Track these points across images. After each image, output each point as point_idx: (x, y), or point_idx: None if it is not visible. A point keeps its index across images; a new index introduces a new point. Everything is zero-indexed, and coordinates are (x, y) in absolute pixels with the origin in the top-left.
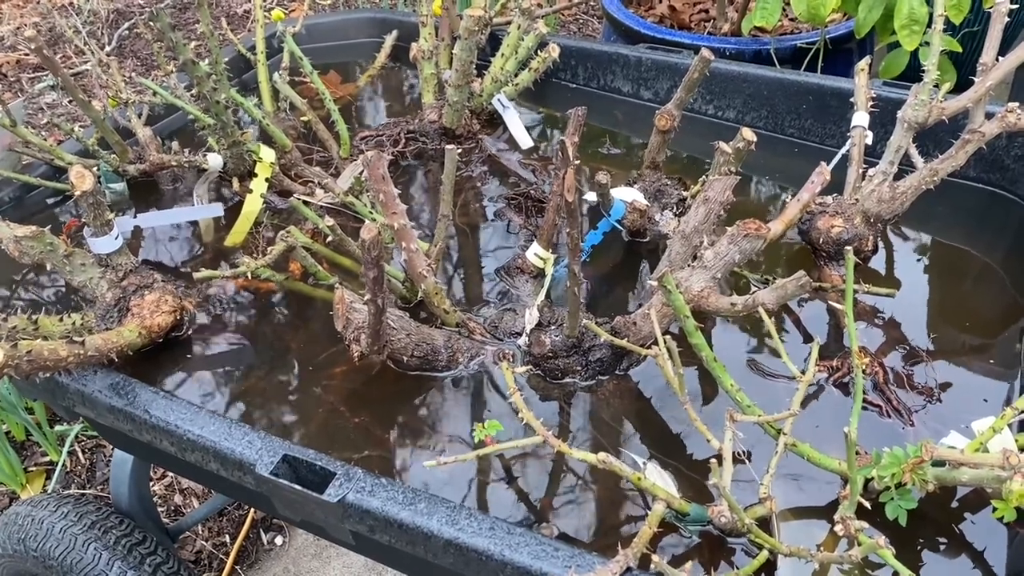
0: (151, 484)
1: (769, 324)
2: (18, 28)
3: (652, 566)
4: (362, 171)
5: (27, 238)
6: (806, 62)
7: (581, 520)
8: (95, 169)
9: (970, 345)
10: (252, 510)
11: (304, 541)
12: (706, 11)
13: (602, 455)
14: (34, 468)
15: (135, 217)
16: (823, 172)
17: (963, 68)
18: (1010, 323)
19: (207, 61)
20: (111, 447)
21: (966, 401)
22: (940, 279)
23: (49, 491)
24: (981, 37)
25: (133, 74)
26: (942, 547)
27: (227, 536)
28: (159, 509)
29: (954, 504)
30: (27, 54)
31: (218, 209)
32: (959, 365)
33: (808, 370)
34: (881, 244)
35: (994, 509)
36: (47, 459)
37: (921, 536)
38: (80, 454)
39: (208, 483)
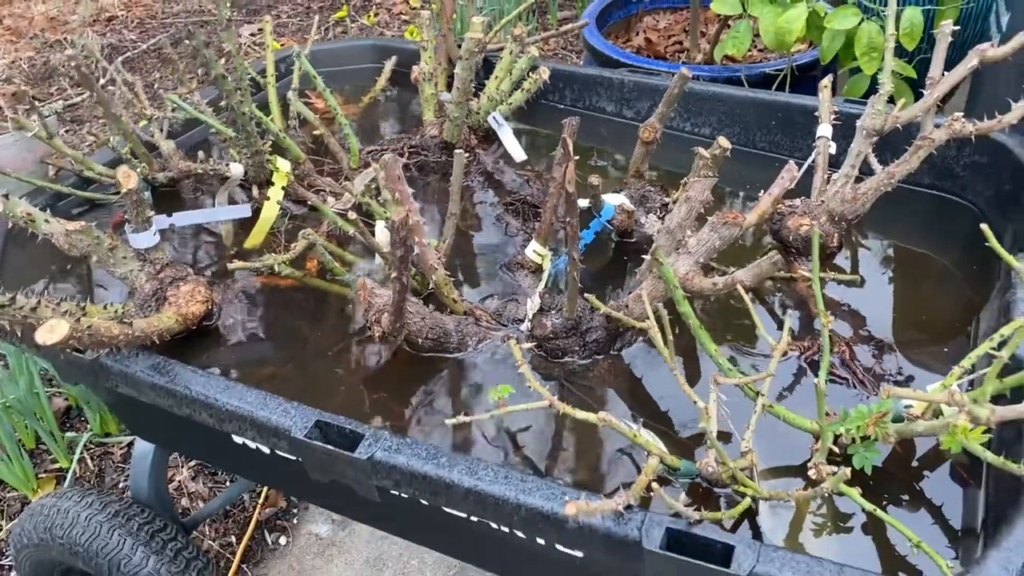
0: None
1: (746, 299)
2: (13, 62)
3: (651, 493)
4: (373, 178)
5: (77, 232)
6: (775, 87)
7: (582, 479)
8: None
9: (927, 336)
10: (257, 512)
11: (307, 541)
12: (680, 43)
13: (603, 414)
14: (44, 475)
15: (171, 216)
16: (791, 169)
17: (918, 90)
18: (965, 317)
19: (231, 79)
20: (119, 452)
21: (926, 380)
22: (899, 278)
23: None
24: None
25: (161, 91)
26: (904, 502)
27: (233, 537)
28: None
29: (914, 463)
30: (23, 86)
31: (246, 210)
32: (919, 352)
33: (781, 340)
34: (846, 247)
35: (940, 446)
36: (57, 465)
37: (886, 492)
38: (89, 460)
39: (231, 464)
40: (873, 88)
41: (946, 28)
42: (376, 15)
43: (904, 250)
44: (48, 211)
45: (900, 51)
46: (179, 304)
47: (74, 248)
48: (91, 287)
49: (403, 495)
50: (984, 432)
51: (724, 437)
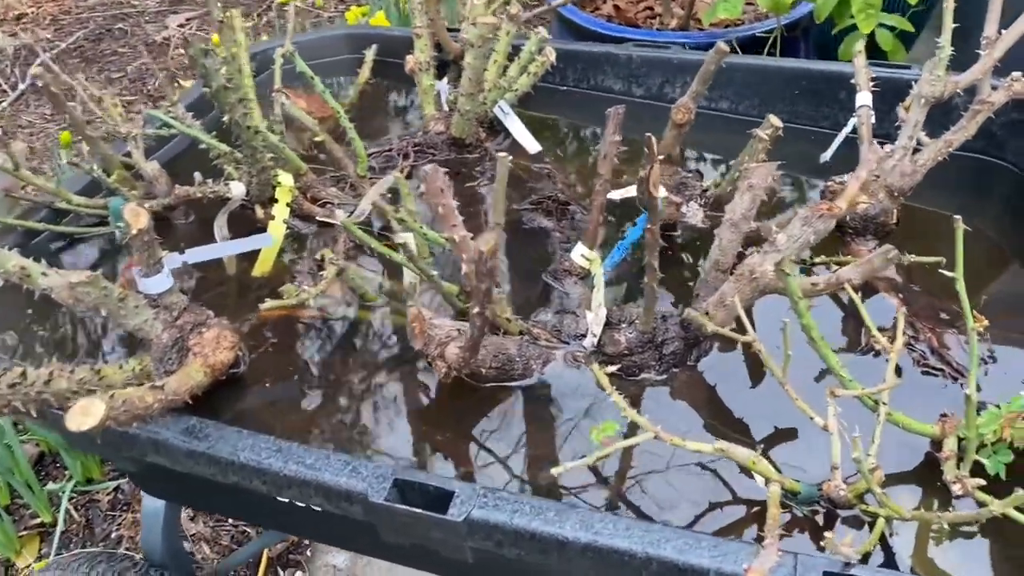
0: None
1: (857, 301)
2: None
3: (822, 543)
4: (390, 187)
5: (82, 284)
6: (767, 49)
7: (675, 509)
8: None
9: (999, 310)
10: (267, 549)
11: (324, 574)
12: (651, 8)
13: (720, 443)
14: (25, 531)
15: (183, 253)
16: (876, 150)
17: (909, 46)
18: (1015, 282)
19: (236, 87)
20: (106, 499)
21: (1013, 365)
22: (940, 248)
23: (52, 555)
24: (925, 16)
25: (143, 106)
26: None
27: (244, 575)
28: None
29: None
30: None
31: (267, 239)
32: (998, 329)
33: (897, 339)
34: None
35: None
36: (38, 520)
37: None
38: (74, 511)
39: (274, 522)
40: (871, 47)
41: None
42: None
43: (943, 217)
44: (22, 252)
45: (896, 4)
46: (205, 354)
47: (80, 303)
48: (64, 326)
49: (506, 555)
50: None
51: (813, 445)
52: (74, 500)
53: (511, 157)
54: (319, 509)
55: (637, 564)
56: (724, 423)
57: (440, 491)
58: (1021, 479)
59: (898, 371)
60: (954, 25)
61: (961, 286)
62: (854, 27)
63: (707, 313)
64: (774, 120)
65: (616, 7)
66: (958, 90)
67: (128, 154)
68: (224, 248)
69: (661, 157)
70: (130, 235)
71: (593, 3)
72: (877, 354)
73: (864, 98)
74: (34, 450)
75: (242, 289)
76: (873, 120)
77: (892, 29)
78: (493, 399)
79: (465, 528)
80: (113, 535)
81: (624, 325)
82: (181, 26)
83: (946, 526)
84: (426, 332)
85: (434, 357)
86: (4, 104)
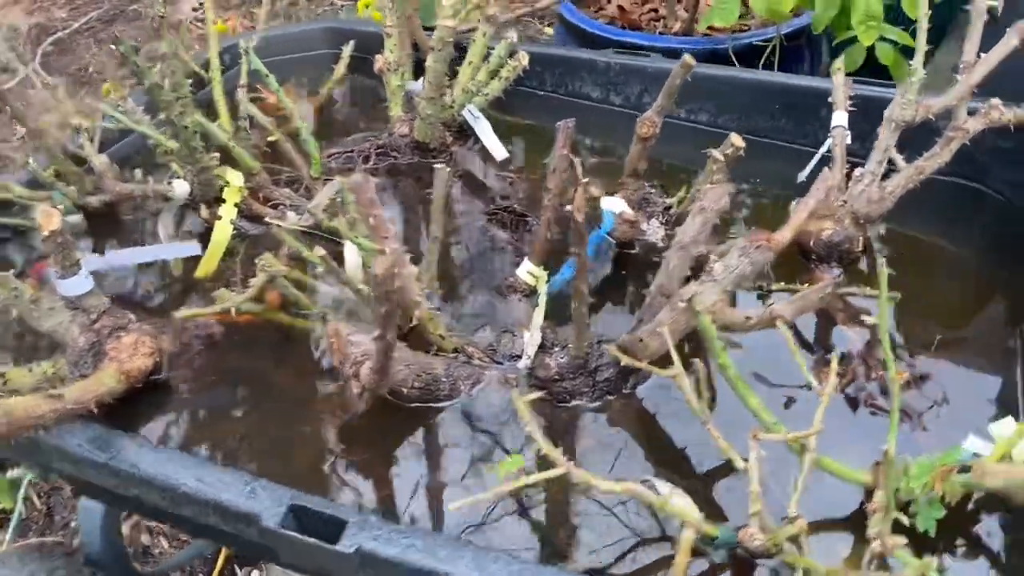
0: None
1: (789, 338)
2: None
3: None
4: (339, 191)
5: None
6: (763, 59)
7: (598, 549)
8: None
9: (957, 341)
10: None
11: (281, 574)
12: (655, 11)
13: (629, 484)
14: None
15: (104, 256)
16: (827, 179)
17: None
18: (991, 317)
19: (168, 84)
20: (70, 490)
21: (970, 400)
22: (919, 275)
23: (6, 540)
24: (940, 31)
25: (83, 97)
26: (960, 551)
27: (201, 574)
28: (128, 548)
29: (970, 506)
30: None
31: (195, 248)
32: (951, 363)
33: (829, 381)
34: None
35: None
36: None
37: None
38: (36, 499)
39: (196, 533)
40: (870, 60)
41: (981, 2)
42: None
43: (920, 242)
44: None
45: (897, 17)
46: (121, 359)
47: None
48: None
49: None
50: None
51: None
52: (38, 487)
53: (449, 169)
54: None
55: None
56: (663, 455)
57: (333, 519)
58: (954, 533)
59: (854, 406)
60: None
61: (885, 336)
62: (855, 39)
63: (641, 340)
64: (735, 139)
65: (620, 8)
66: (931, 115)
67: (82, 146)
68: (148, 253)
69: (628, 172)
70: (42, 237)
71: (598, 3)
72: (842, 392)
73: (840, 118)
74: None
75: (186, 290)
76: (849, 141)
77: (895, 44)
78: (416, 419)
79: (356, 560)
80: (73, 524)
81: (557, 349)
82: (195, 9)
83: None
84: (342, 350)
85: (349, 376)
86: (12, 83)
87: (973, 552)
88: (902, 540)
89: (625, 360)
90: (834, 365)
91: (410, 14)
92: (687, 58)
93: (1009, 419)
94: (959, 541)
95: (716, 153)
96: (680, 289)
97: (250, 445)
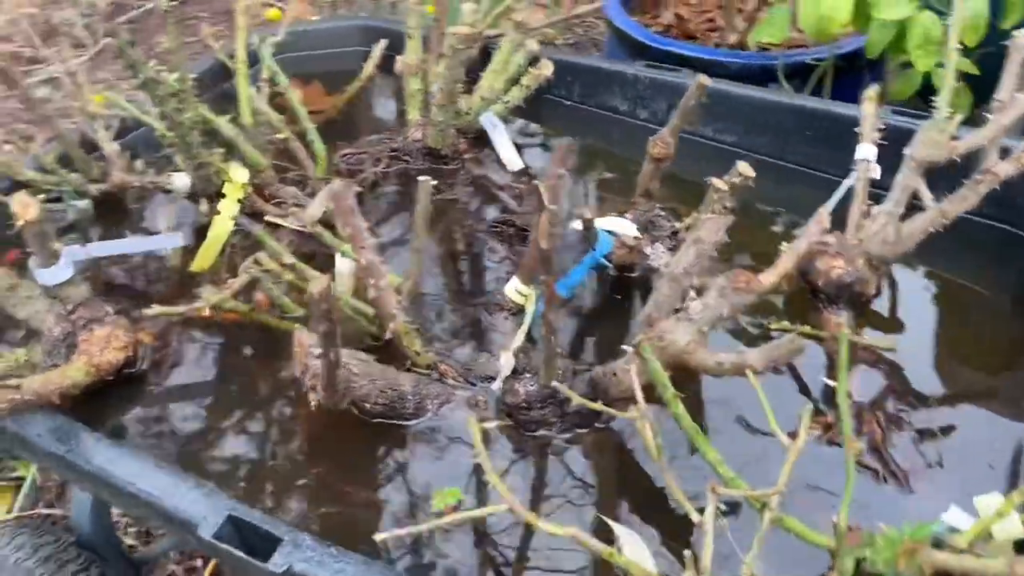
0: None
1: (758, 388)
2: (12, 19)
3: None
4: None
5: None
6: (814, 80)
7: None
8: (57, 184)
9: (976, 394)
10: None
11: None
12: (713, 20)
13: (572, 530)
14: (3, 484)
15: (85, 246)
16: (821, 220)
17: (980, 90)
18: (1020, 369)
19: (175, 77)
20: None
21: (970, 463)
22: (946, 320)
23: (17, 508)
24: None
25: (98, 85)
26: None
27: (200, 560)
28: (131, 528)
29: None
30: (21, 46)
31: (177, 239)
32: (965, 419)
33: (799, 438)
34: (884, 281)
35: None
36: (16, 474)
37: None
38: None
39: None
40: (926, 86)
41: (1020, 38)
42: None
43: (951, 285)
44: None
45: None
46: (91, 352)
47: None
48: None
49: None
50: None
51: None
52: None
53: (433, 181)
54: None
55: None
56: (634, 494)
57: (268, 535)
58: None
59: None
60: None
61: (843, 398)
62: (910, 64)
63: (615, 375)
64: (744, 168)
65: (679, 16)
66: (955, 156)
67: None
68: (131, 245)
69: (639, 191)
70: (20, 226)
71: (655, 10)
72: (831, 443)
73: (865, 151)
74: None
75: (182, 283)
76: (878, 175)
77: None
78: (378, 436)
79: None
80: None
81: (528, 375)
82: None
83: None
84: (303, 360)
85: (308, 388)
86: (84, 58)
87: None
88: None
89: (576, 401)
90: (806, 421)
91: (439, 17)
92: (701, 78)
93: (994, 494)
94: None
95: (718, 182)
96: (662, 323)
97: (211, 447)
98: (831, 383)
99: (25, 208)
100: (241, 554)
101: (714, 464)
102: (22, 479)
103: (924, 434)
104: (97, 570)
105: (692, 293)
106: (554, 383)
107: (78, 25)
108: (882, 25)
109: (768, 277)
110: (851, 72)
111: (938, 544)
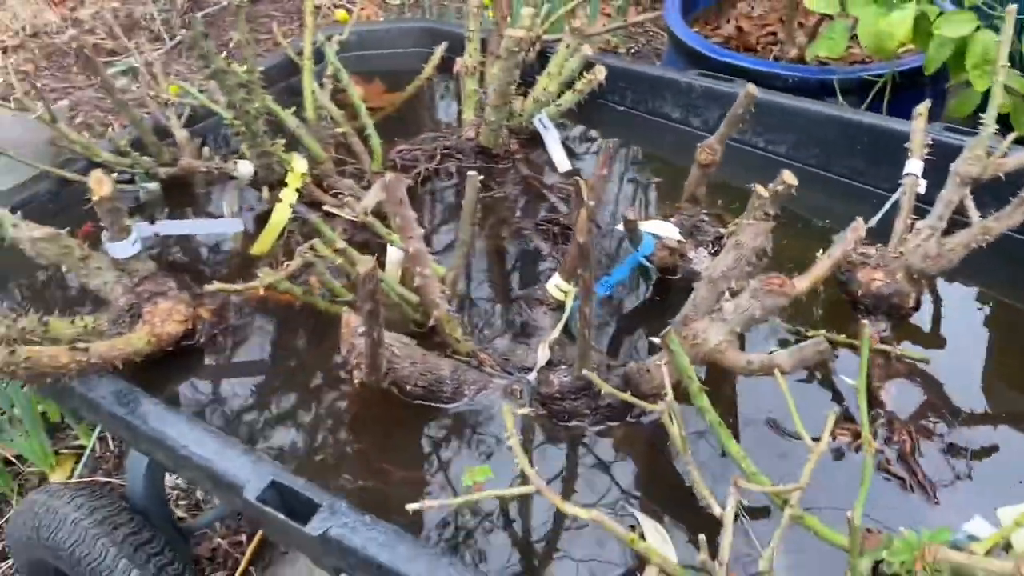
0: (173, 477)
1: (785, 389)
2: (96, 13)
3: None
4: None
5: (43, 240)
6: (871, 96)
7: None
8: (131, 166)
9: (1014, 413)
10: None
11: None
12: (774, 33)
13: (595, 513)
14: (66, 451)
15: (153, 223)
16: (858, 229)
17: None
18: None
19: (244, 68)
20: None
21: (1000, 478)
22: (988, 337)
23: (76, 475)
24: None
25: (172, 76)
26: None
27: (244, 536)
28: (182, 501)
29: None
30: (103, 38)
31: (238, 224)
32: (1000, 436)
33: (822, 440)
34: (928, 295)
35: None
36: (79, 443)
37: None
38: (110, 440)
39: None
40: (984, 106)
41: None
42: None
43: (996, 303)
44: (55, 198)
45: (1015, 63)
46: (154, 323)
47: (42, 256)
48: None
49: None
50: None
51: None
52: None
53: (480, 177)
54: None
55: None
56: (662, 487)
57: (308, 501)
58: None
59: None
60: None
61: (863, 397)
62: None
63: (648, 371)
64: (787, 177)
65: (739, 28)
66: (1000, 173)
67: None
68: (196, 226)
69: (685, 196)
70: (94, 202)
71: (716, 22)
72: (859, 449)
73: (913, 166)
74: None
75: (243, 264)
76: (922, 190)
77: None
78: (419, 418)
79: (322, 545)
80: None
81: (563, 367)
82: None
83: None
84: (351, 341)
85: (352, 366)
86: (161, 51)
87: None
88: None
89: (605, 390)
90: (830, 423)
91: (499, 20)
92: (750, 87)
93: (1020, 505)
94: None
95: (760, 189)
96: (696, 323)
97: (259, 418)
98: (850, 381)
99: (100, 184)
100: (282, 516)
101: (737, 458)
102: (83, 448)
103: (955, 448)
104: (148, 534)
105: (727, 295)
106: (586, 371)
107: (156, 20)
108: (941, 43)
109: (802, 282)
110: (911, 89)
111: (956, 550)
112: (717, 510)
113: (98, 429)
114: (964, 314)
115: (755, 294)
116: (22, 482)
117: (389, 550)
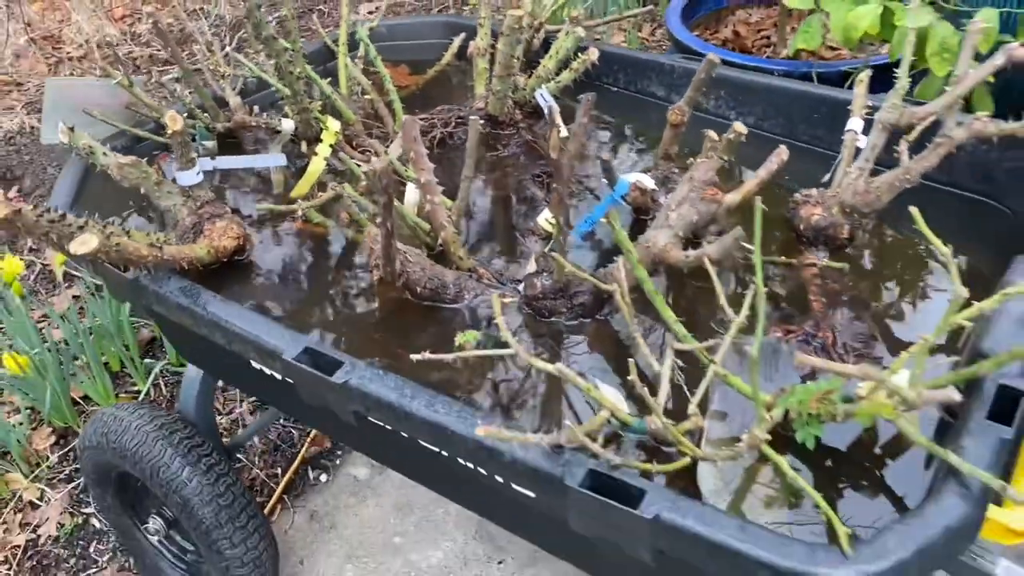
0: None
1: (712, 272)
2: (152, 26)
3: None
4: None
5: (128, 165)
6: (847, 86)
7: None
8: (192, 127)
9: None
10: (304, 450)
11: (345, 481)
12: (768, 37)
13: (559, 365)
14: (124, 395)
15: (214, 159)
16: (780, 153)
17: (1001, 99)
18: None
19: (290, 39)
20: None
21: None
22: (915, 276)
23: None
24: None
25: (228, 49)
26: (863, 486)
27: (279, 469)
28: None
29: (877, 450)
30: (159, 50)
31: (282, 159)
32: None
33: (740, 311)
34: (874, 240)
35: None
36: (136, 388)
37: (844, 475)
38: (163, 386)
39: (255, 389)
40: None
41: (976, 24)
42: None
43: (930, 250)
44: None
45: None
46: (212, 237)
47: (125, 179)
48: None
49: (373, 420)
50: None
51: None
52: (166, 377)
53: (481, 121)
54: (268, 372)
55: (457, 440)
56: (622, 368)
57: (334, 360)
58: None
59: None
60: None
61: (758, 258)
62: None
63: (611, 274)
64: (738, 127)
65: (736, 32)
66: (914, 120)
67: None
68: (248, 160)
69: (660, 155)
70: (168, 134)
71: (716, 27)
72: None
73: (854, 123)
74: (148, 335)
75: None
76: (860, 144)
77: None
78: (427, 317)
79: (345, 392)
80: None
81: (545, 273)
82: (371, 13)
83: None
84: (371, 247)
85: (372, 267)
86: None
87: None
88: (765, 436)
89: (568, 269)
90: (757, 303)
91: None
92: (711, 56)
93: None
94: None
95: (712, 133)
96: (649, 232)
97: (298, 314)
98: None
99: (174, 121)
100: (313, 370)
101: (670, 323)
102: (139, 392)
103: (871, 347)
104: (200, 439)
105: (671, 208)
106: (554, 253)
107: (207, 34)
108: (901, 33)
109: (733, 195)
110: (884, 81)
111: (848, 399)
112: (655, 367)
113: (153, 376)
114: (894, 253)
115: (693, 203)
116: (86, 419)
117: (397, 392)
